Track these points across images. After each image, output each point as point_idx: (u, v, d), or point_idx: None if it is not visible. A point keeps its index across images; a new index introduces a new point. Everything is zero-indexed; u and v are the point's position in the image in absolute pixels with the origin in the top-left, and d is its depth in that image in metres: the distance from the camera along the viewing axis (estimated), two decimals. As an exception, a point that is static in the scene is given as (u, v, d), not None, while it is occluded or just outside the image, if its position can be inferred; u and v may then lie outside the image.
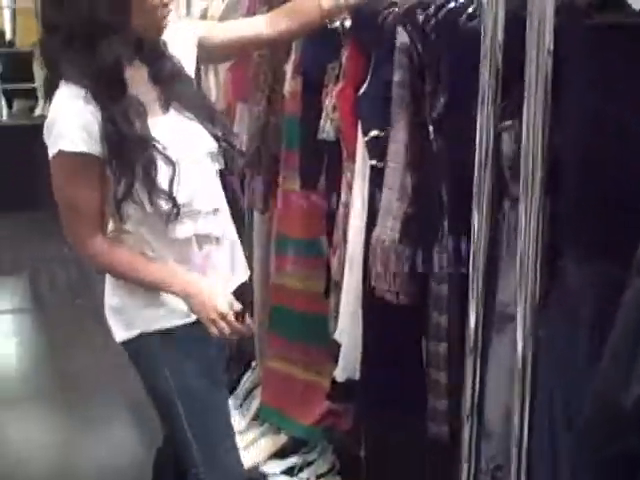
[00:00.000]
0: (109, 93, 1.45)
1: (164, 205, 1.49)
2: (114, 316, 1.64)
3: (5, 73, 6.07)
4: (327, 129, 1.84)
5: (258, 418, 2.53)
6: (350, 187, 1.88)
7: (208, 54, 1.74)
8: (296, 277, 2.24)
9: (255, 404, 2.55)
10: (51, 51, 1.50)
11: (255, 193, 2.36)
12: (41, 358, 3.44)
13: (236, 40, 1.78)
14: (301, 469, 2.27)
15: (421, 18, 1.55)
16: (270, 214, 2.40)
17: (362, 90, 1.73)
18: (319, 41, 1.91)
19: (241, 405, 2.62)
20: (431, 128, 1.43)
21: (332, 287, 2.00)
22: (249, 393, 2.64)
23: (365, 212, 1.78)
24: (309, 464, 2.29)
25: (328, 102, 1.83)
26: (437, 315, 1.48)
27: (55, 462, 2.64)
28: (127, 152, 1.45)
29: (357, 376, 1.87)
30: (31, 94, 5.99)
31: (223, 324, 1.51)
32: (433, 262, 1.46)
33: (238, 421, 2.53)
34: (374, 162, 1.74)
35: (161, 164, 1.48)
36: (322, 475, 2.24)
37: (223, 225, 1.66)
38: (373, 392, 1.84)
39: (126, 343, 1.62)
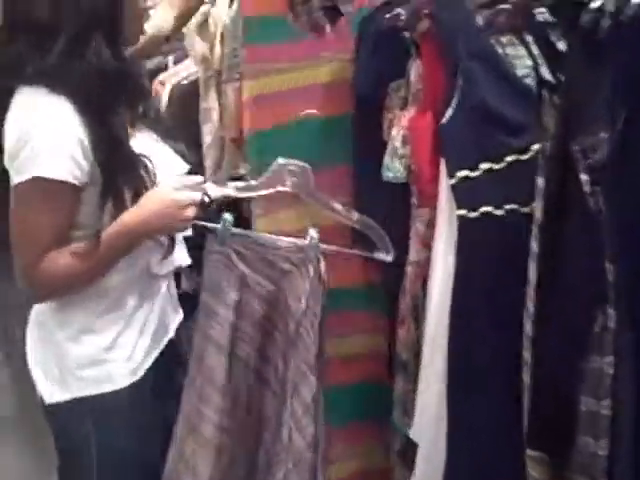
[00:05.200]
0: (100, 104, 1.28)
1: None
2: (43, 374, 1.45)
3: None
4: (395, 168, 1.40)
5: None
6: (423, 242, 1.45)
7: None
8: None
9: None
10: (17, 51, 1.27)
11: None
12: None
13: None
14: None
15: (541, 19, 1.14)
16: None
17: (447, 116, 1.29)
18: (374, 52, 1.47)
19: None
20: (585, 177, 1.00)
21: (398, 366, 1.56)
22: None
23: (451, 275, 1.36)
24: None
25: (395, 133, 1.39)
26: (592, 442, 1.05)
27: None
28: (119, 174, 1.31)
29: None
30: None
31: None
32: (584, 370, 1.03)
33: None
34: (463, 212, 1.32)
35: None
36: None
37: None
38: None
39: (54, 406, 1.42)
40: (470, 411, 1.36)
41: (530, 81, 1.19)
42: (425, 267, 1.47)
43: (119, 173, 1.31)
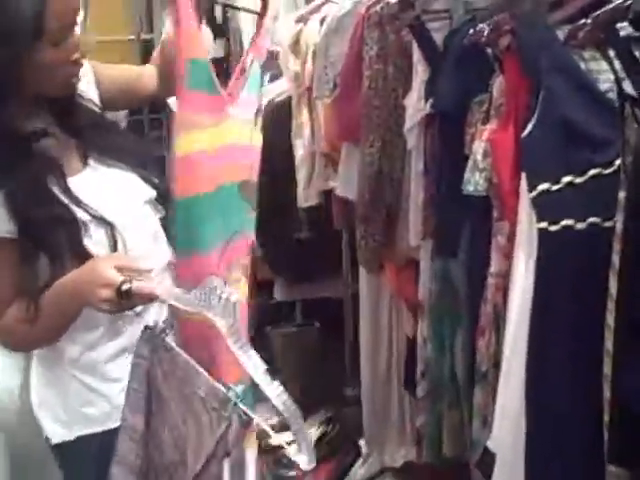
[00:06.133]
0: (8, 160, 1.22)
1: None
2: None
3: None
4: (475, 181, 1.43)
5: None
6: (504, 254, 1.46)
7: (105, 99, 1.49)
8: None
9: (370, 504, 2.13)
10: None
11: (367, 251, 1.96)
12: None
13: (123, 88, 1.55)
14: None
15: (624, 33, 1.15)
16: (382, 276, 2.02)
17: (527, 130, 1.31)
18: (458, 67, 1.50)
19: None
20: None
21: (478, 377, 1.58)
22: (362, 488, 2.22)
23: (531, 288, 1.37)
24: None
25: (477, 147, 1.42)
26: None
27: None
28: (45, 228, 1.24)
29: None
30: None
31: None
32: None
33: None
34: (544, 225, 1.33)
35: (96, 232, 1.28)
36: None
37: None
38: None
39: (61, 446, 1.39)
40: (549, 425, 1.36)
41: (612, 95, 1.20)
42: (506, 279, 1.47)
43: (39, 227, 1.24)
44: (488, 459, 1.49)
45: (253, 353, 1.09)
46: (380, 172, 1.83)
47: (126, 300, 1.19)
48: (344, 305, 2.63)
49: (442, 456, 1.80)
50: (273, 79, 2.92)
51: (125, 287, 1.17)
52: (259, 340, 2.81)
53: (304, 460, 1.06)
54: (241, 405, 1.10)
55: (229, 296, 1.13)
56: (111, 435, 1.32)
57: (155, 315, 1.36)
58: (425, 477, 2.00)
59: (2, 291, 1.27)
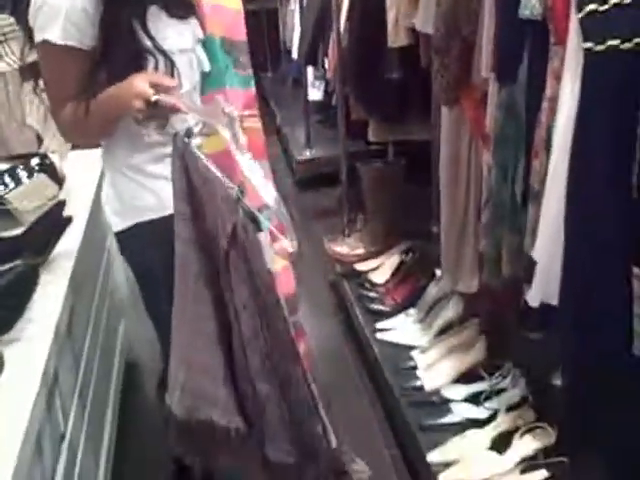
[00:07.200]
0: None
1: None
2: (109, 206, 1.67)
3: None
4: (531, 5, 1.49)
5: (443, 334, 2.32)
6: (558, 78, 1.53)
7: None
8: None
9: (440, 320, 2.33)
10: None
11: (443, 84, 2.05)
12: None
13: None
14: (488, 397, 2.05)
15: None
16: (461, 110, 2.10)
17: (579, -49, 1.35)
18: None
19: (423, 319, 2.41)
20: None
21: (531, 196, 1.69)
22: (433, 306, 2.42)
23: (575, 109, 1.45)
24: (498, 393, 2.05)
25: (534, -30, 1.47)
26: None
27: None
28: (116, 48, 1.47)
29: (555, 301, 1.59)
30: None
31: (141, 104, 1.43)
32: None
33: (419, 337, 2.34)
34: (590, 45, 1.39)
35: (158, 61, 1.50)
36: (513, 407, 1.99)
37: None
38: (574, 319, 1.56)
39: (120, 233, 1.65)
40: (583, 232, 1.47)
41: None
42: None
43: (112, 46, 1.46)
44: (531, 266, 1.64)
45: (250, 157, 1.32)
46: (456, 4, 1.89)
47: (154, 109, 1.42)
48: (432, 145, 2.72)
49: (501, 277, 1.95)
50: None
51: (154, 98, 1.41)
52: (351, 177, 2.99)
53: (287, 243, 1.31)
54: (245, 201, 1.30)
55: (231, 112, 1.34)
56: (159, 223, 1.56)
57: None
58: (486, 296, 2.16)
59: (66, 89, 1.51)
